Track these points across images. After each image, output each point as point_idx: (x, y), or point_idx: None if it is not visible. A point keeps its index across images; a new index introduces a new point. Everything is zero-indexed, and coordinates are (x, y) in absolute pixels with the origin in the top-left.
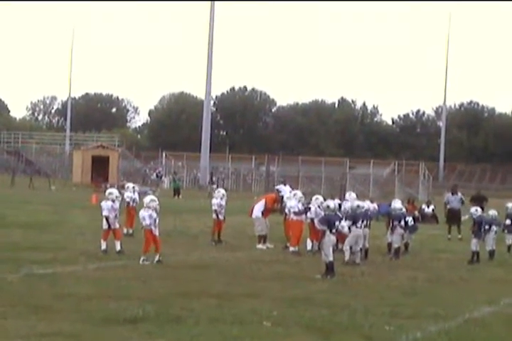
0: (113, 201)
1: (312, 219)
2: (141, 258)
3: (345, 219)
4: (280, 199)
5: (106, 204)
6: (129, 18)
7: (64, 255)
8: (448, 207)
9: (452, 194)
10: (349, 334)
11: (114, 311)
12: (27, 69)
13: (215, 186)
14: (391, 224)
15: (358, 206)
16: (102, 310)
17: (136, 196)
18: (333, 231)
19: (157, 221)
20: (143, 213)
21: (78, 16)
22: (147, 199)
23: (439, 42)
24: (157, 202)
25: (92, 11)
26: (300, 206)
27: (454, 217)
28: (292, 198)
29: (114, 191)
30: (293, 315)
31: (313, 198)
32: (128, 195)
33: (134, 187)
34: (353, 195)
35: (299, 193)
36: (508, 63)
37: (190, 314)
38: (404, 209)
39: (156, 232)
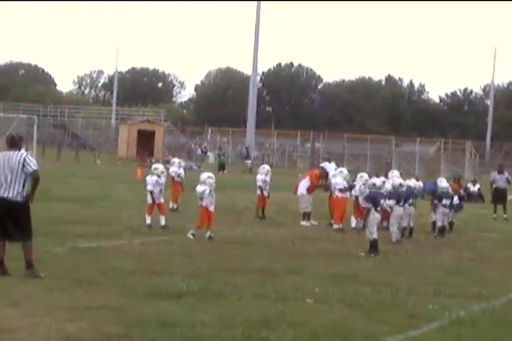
0: (158, 176)
1: (357, 197)
2: (190, 232)
3: (389, 198)
4: (325, 176)
5: (151, 179)
6: None
7: (109, 229)
8: (494, 186)
9: (498, 173)
10: (392, 312)
11: (157, 286)
12: (74, 44)
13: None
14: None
15: (400, 184)
16: (145, 285)
17: (181, 171)
18: (378, 209)
19: (213, 197)
20: (199, 189)
21: None
22: (204, 175)
23: (489, 19)
24: (214, 179)
25: None
26: (345, 183)
27: (499, 196)
28: (338, 175)
29: (160, 166)
30: (336, 293)
31: (358, 176)
32: (173, 169)
33: (179, 162)
34: (396, 172)
35: (344, 171)
36: None
37: (234, 289)
38: (449, 188)
39: (212, 209)
